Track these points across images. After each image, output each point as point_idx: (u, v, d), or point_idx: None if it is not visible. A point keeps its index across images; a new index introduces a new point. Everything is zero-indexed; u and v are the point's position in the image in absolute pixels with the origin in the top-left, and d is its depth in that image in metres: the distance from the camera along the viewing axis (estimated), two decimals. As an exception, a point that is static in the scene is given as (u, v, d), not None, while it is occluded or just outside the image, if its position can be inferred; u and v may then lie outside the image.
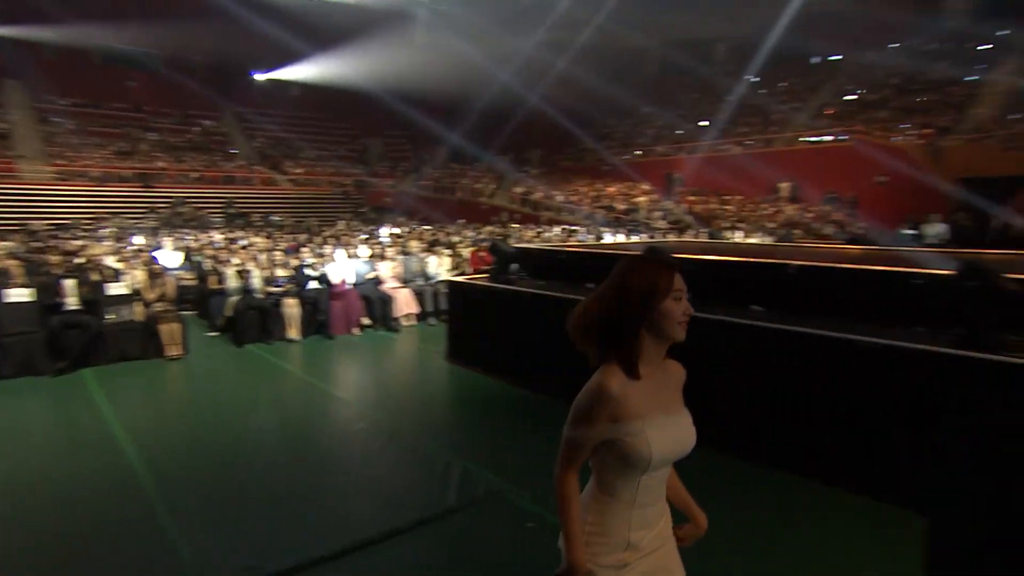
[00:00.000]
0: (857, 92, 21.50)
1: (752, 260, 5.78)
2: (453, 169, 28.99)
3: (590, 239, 14.06)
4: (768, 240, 13.30)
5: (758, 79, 23.49)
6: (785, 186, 19.54)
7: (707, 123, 23.55)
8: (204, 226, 18.27)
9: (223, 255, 9.95)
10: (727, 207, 19.15)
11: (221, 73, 29.27)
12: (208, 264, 9.92)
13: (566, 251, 7.45)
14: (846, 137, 18.94)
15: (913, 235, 13.06)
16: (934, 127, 17.58)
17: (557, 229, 15.98)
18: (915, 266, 4.70)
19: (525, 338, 5.88)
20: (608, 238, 14.05)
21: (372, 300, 8.58)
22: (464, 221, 18.48)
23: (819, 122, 20.68)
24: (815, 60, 23.92)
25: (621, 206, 20.67)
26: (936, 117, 18.05)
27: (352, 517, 3.39)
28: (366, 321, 8.53)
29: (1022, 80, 16.80)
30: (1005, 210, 13.22)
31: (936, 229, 13.23)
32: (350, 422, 5.09)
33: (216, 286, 8.49)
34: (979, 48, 19.25)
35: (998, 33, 18.79)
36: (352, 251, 9.55)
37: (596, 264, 6.79)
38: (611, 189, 23.28)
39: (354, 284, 8.63)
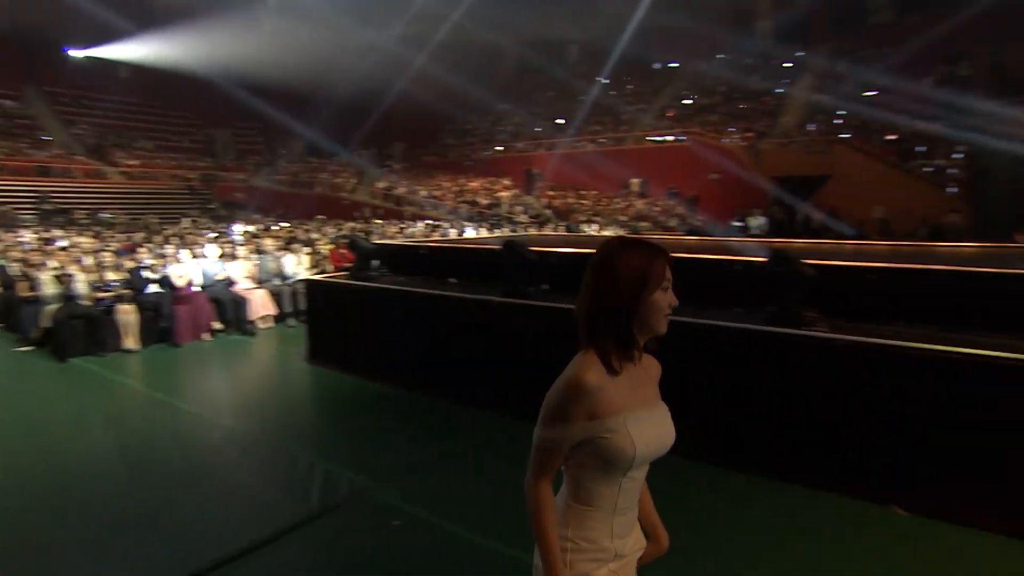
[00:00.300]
0: (692, 97, 23.71)
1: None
2: (311, 163, 27.67)
3: (453, 233, 14.19)
4: (621, 232, 14.31)
5: (608, 81, 25.02)
6: (635, 182, 21.10)
7: (563, 121, 24.70)
8: (10, 224, 15.76)
9: (36, 258, 8.71)
10: (584, 201, 20.27)
11: (24, 45, 25.18)
12: (16, 269, 8.64)
13: (427, 246, 7.50)
14: (684, 138, 20.84)
15: (740, 227, 14.76)
16: (754, 131, 19.92)
17: (421, 224, 15.91)
18: (737, 255, 5.36)
19: (388, 334, 5.86)
20: (470, 232, 14.28)
21: (223, 302, 8.01)
22: (324, 217, 17.75)
23: (662, 123, 22.54)
24: (657, 66, 25.97)
25: (484, 201, 21.05)
26: (755, 123, 20.46)
27: (209, 533, 3.21)
28: (217, 325, 7.95)
29: (815, 95, 19.57)
30: (807, 205, 15.42)
31: (758, 221, 15.06)
32: (201, 435, 4.75)
33: (28, 293, 7.44)
34: (783, 65, 22.09)
35: (797, 54, 21.72)
36: (199, 250, 8.82)
37: (457, 258, 6.93)
38: (474, 184, 23.62)
39: (202, 286, 8.00)
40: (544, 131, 25.07)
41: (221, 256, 8.70)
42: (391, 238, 12.18)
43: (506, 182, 23.55)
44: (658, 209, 18.25)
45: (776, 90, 21.19)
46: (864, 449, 3.53)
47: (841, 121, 18.58)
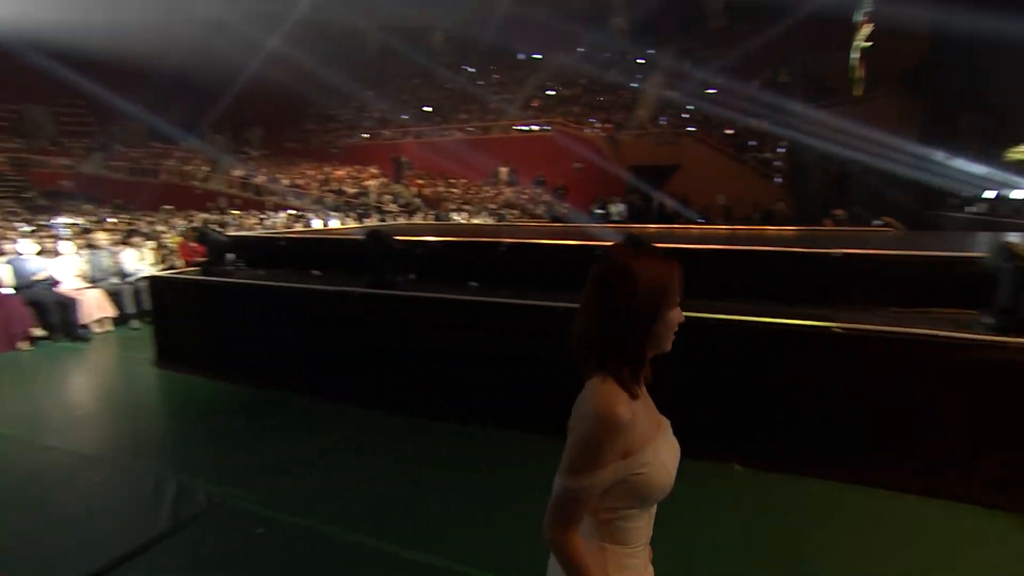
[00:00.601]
0: (555, 88, 24.56)
1: (469, 240, 6.31)
2: (155, 148, 24.96)
3: (318, 224, 13.60)
4: (489, 220, 14.54)
5: (474, 70, 25.17)
6: (504, 170, 21.49)
7: (430, 109, 24.49)
8: None
9: None
10: (453, 190, 20.30)
11: None
12: None
13: (287, 237, 7.13)
14: (549, 128, 21.56)
15: (602, 214, 15.62)
16: (612, 123, 21.10)
17: (283, 215, 15.05)
18: (596, 240, 5.68)
19: (246, 332, 5.53)
20: (334, 223, 13.77)
21: (46, 306, 7.05)
22: (172, 208, 16.14)
23: (527, 113, 23.13)
24: (521, 57, 26.55)
25: (351, 190, 20.34)
26: (613, 114, 21.68)
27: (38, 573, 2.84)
28: (39, 332, 6.99)
29: (665, 91, 21.16)
30: (660, 193, 16.70)
31: (618, 208, 16.04)
32: (17, 460, 4.16)
33: None
34: (636, 61, 23.62)
35: (648, 51, 23.31)
36: (10, 246, 7.67)
37: (321, 250, 6.67)
38: (340, 173, 22.73)
39: (16, 288, 6.98)
40: (411, 119, 24.69)
41: (40, 252, 7.64)
42: (249, 230, 11.40)
43: (373, 170, 22.93)
44: (526, 197, 18.76)
45: (631, 84, 22.57)
46: (713, 415, 3.93)
47: (688, 116, 20.25)
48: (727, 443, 3.84)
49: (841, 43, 17.60)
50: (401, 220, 14.47)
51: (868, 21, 16.31)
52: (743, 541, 3.05)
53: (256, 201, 19.76)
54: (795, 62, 19.19)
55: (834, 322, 3.64)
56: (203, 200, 19.46)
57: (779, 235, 7.87)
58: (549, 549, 1.19)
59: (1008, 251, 3.48)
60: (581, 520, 1.16)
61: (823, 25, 17.81)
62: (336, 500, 3.45)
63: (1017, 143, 9.75)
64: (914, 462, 3.46)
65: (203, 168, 23.09)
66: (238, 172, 22.24)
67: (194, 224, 12.08)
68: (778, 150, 17.55)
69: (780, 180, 17.41)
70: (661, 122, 20.53)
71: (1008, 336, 3.34)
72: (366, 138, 25.43)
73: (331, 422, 4.63)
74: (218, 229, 8.02)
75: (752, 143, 18.32)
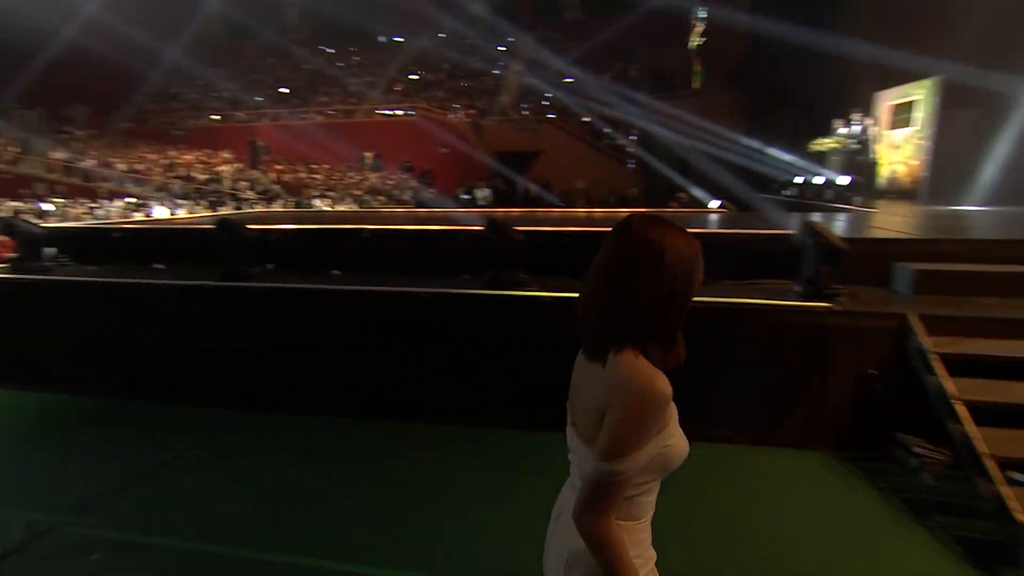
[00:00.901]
0: (418, 73, 24.27)
1: (330, 227, 6.19)
2: (-60, 125, 21.12)
3: (163, 213, 12.45)
4: (354, 207, 14.19)
5: (333, 51, 24.13)
6: (369, 155, 20.94)
7: (287, 91, 23.15)
8: None
9: None
10: (315, 176, 19.45)
11: None
12: None
13: (123, 228, 6.51)
14: (413, 112, 21.32)
15: (468, 199, 15.85)
16: (476, 108, 21.34)
17: (120, 203, 13.56)
18: (461, 225, 5.81)
19: (75, 335, 5.00)
20: (181, 212, 12.70)
21: None
22: (-29, 196, 13.86)
23: (390, 97, 22.67)
24: (382, 39, 25.86)
25: (201, 176, 18.75)
26: (476, 100, 21.92)
27: None
28: None
29: (525, 78, 21.79)
30: (523, 179, 17.31)
31: (483, 193, 16.35)
32: None
33: None
34: (498, 48, 24.01)
35: (509, 39, 23.79)
36: None
37: (165, 241, 6.21)
38: (188, 157, 20.80)
39: None
40: (267, 100, 23.17)
41: None
42: (76, 220, 10.18)
43: (226, 155, 21.26)
44: (392, 183, 18.49)
45: (493, 71, 22.94)
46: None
47: (547, 103, 21.03)
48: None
49: (680, 40, 19.28)
50: (259, 208, 13.66)
51: (700, 22, 18.01)
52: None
53: (85, 188, 17.54)
54: (642, 56, 20.63)
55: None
56: (13, 187, 16.91)
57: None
58: (568, 532, 1.16)
59: (811, 228, 4.13)
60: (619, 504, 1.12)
61: (666, 22, 19.30)
62: (192, 511, 3.25)
63: (820, 136, 11.38)
64: (742, 416, 4.01)
65: (10, 149, 19.99)
66: (59, 154, 19.54)
67: (3, 214, 10.53)
68: (631, 138, 18.83)
69: (633, 165, 18.75)
70: (523, 108, 21.12)
71: (811, 302, 3.98)
72: (216, 120, 23.46)
73: (185, 427, 4.35)
74: (31, 220, 7.10)
75: (607, 131, 19.48)
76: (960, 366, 3.34)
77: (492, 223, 4.88)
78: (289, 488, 3.48)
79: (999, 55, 8.11)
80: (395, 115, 21.90)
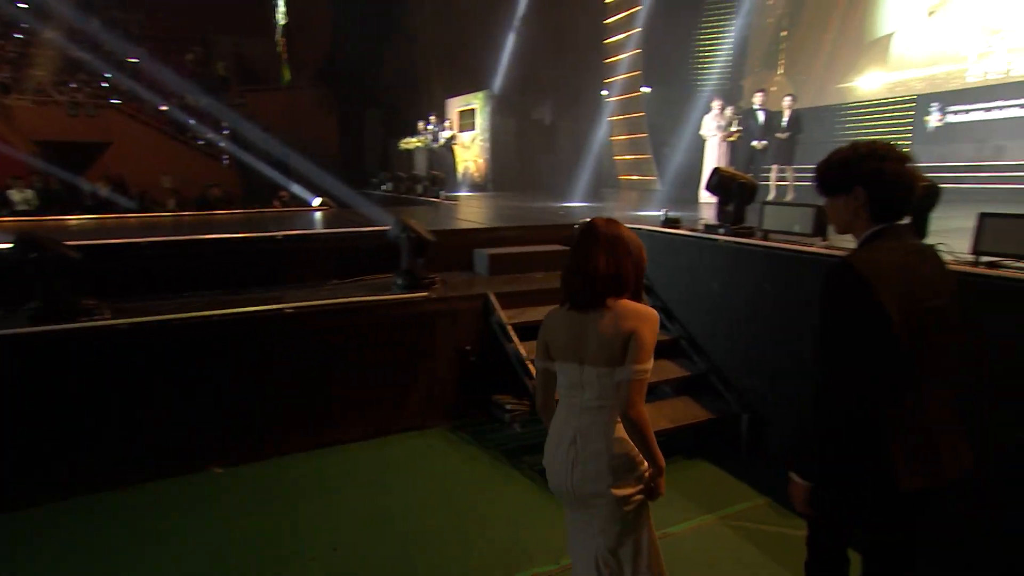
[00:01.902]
0: None
1: None
2: None
3: None
4: None
5: None
6: None
7: None
8: None
9: None
10: None
11: None
12: None
13: None
14: None
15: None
16: (-10, 81, 16.18)
17: None
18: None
19: None
20: None
21: None
22: None
23: None
24: None
25: None
26: (-11, 70, 16.62)
27: None
28: None
29: (71, 51, 17.63)
30: (87, 177, 14.08)
31: (25, 195, 12.67)
32: None
33: None
34: (19, 5, 18.65)
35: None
36: None
37: None
38: None
39: None
40: None
41: None
42: None
43: None
44: None
45: (15, 35, 17.80)
46: (174, 426, 3.65)
47: (108, 85, 17.45)
48: (204, 450, 3.72)
49: (265, 30, 18.47)
50: None
51: (286, 12, 17.57)
52: (245, 535, 3.07)
53: None
54: (223, 43, 18.99)
55: (284, 303, 3.94)
56: None
57: (229, 220, 7.89)
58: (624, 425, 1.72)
59: (403, 224, 4.49)
60: None
61: (248, 7, 18.16)
62: None
63: (406, 136, 12.55)
64: (366, 412, 4.15)
65: None
66: None
67: None
68: (223, 131, 17.25)
69: (227, 161, 17.23)
70: (72, 88, 17.01)
71: (410, 293, 4.35)
72: None
73: None
74: None
75: (192, 122, 17.38)
76: (526, 331, 4.19)
77: (26, 238, 3.83)
78: None
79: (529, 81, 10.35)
80: None
